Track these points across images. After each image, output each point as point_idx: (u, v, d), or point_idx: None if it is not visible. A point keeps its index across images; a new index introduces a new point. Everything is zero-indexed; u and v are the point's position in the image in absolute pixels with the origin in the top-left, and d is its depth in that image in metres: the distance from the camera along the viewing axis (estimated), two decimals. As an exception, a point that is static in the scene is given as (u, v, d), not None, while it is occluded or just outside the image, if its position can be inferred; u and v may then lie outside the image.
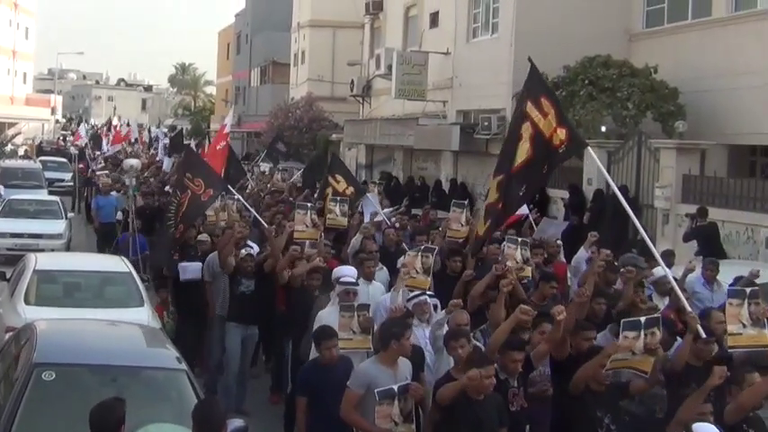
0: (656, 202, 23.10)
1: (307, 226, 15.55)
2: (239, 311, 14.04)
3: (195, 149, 21.17)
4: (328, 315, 11.24)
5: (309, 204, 16.43)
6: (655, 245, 21.53)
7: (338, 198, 17.91)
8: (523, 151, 10.63)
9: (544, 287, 12.66)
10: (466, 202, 16.81)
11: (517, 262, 13.13)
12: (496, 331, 9.84)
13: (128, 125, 56.19)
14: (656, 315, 9.67)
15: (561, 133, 10.19)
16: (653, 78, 25.65)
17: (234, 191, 19.56)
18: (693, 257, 15.50)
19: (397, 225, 18.42)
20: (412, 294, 11.59)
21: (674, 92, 25.26)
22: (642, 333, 8.79)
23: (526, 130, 10.47)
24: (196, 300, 15.13)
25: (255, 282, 14.13)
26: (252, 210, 18.82)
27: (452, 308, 10.65)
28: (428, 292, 11.70)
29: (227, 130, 25.09)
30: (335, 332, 10.09)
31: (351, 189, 18.92)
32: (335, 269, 12.76)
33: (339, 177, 19.11)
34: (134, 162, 24.96)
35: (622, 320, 9.07)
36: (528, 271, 13.39)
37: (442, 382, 9.02)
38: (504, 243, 13.78)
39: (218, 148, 23.96)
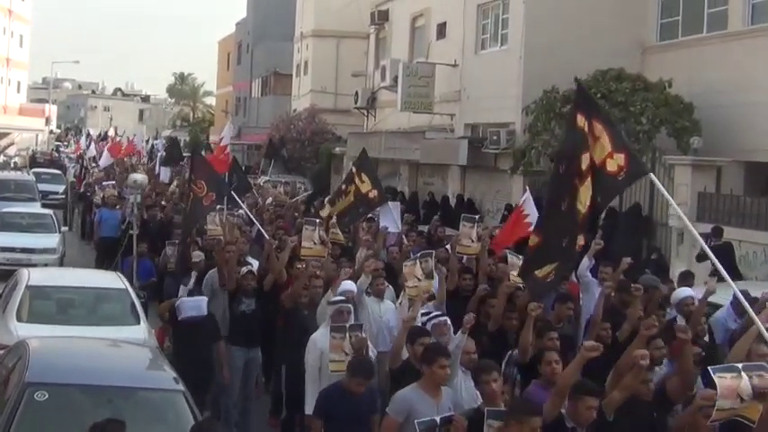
0: (671, 221, 23.05)
1: (314, 243, 15.32)
2: (241, 332, 13.87)
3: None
4: (322, 337, 11.15)
5: (318, 220, 16.12)
6: (669, 265, 21.74)
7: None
8: (585, 197, 9.47)
9: (561, 308, 12.65)
10: (477, 217, 16.64)
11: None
12: (564, 375, 8.96)
13: (128, 138, 56.02)
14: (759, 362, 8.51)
15: (619, 158, 9.30)
16: (667, 93, 25.62)
17: (239, 200, 19.39)
18: (708, 278, 15.43)
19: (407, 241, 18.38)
20: (431, 314, 11.39)
21: (689, 107, 25.23)
22: (745, 375, 7.82)
23: (585, 161, 9.40)
24: (197, 337, 13.41)
25: (256, 300, 14.05)
26: (257, 223, 18.68)
27: (467, 326, 10.33)
28: (438, 312, 11.56)
29: (224, 142, 25.02)
30: (372, 370, 9.85)
31: (374, 193, 17.85)
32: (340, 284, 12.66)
33: (365, 177, 17.98)
34: (139, 177, 22.98)
35: (711, 367, 7.96)
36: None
37: (473, 418, 8.51)
38: (509, 254, 13.76)
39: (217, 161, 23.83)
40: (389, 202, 19.17)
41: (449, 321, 11.13)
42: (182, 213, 20.04)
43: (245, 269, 14.60)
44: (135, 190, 21.59)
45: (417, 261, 12.43)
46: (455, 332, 10.75)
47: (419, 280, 12.23)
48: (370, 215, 19.21)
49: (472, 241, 15.40)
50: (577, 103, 9.95)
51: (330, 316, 11.49)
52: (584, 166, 9.33)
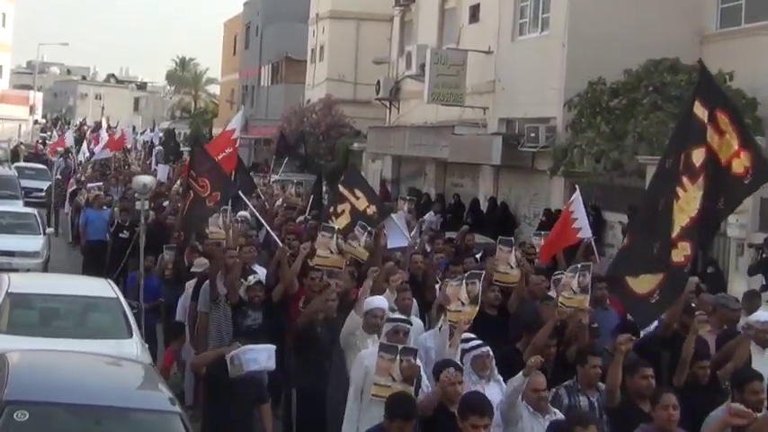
0: (729, 231, 22.93)
1: (331, 252, 15.13)
2: None
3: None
4: (370, 356, 10.84)
5: (337, 227, 15.94)
6: (727, 280, 21.66)
7: (367, 228, 16.75)
8: (693, 200, 9.02)
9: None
10: (513, 239, 16.46)
11: (574, 291, 12.92)
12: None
13: (122, 131, 56.13)
14: None
15: (745, 158, 8.87)
16: (727, 86, 25.51)
17: (246, 200, 19.23)
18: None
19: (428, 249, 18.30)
20: (471, 343, 11.14)
21: (752, 102, 25.12)
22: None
23: (699, 156, 8.90)
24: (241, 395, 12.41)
25: (263, 313, 14.04)
26: (266, 225, 18.52)
27: (532, 368, 10.03)
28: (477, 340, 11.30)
29: (235, 135, 24.80)
30: (413, 411, 9.34)
31: (372, 208, 17.91)
32: (367, 300, 12.40)
33: (359, 193, 17.98)
34: (147, 180, 21.15)
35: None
36: (585, 301, 12.98)
37: None
38: (564, 274, 13.47)
39: (220, 156, 23.29)
40: (392, 215, 19.23)
41: (491, 352, 10.99)
42: (178, 214, 19.81)
43: (252, 278, 14.53)
44: (143, 195, 20.17)
45: (463, 282, 12.15)
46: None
47: (463, 304, 11.94)
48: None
49: (511, 267, 15.05)
50: (699, 87, 9.41)
51: (385, 333, 11.27)
52: (697, 163, 8.85)
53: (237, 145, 26.56)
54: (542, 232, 19.74)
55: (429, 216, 28.34)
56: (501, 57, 33.35)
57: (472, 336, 11.38)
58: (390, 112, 44.11)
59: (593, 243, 17.74)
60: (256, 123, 65.14)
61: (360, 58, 52.57)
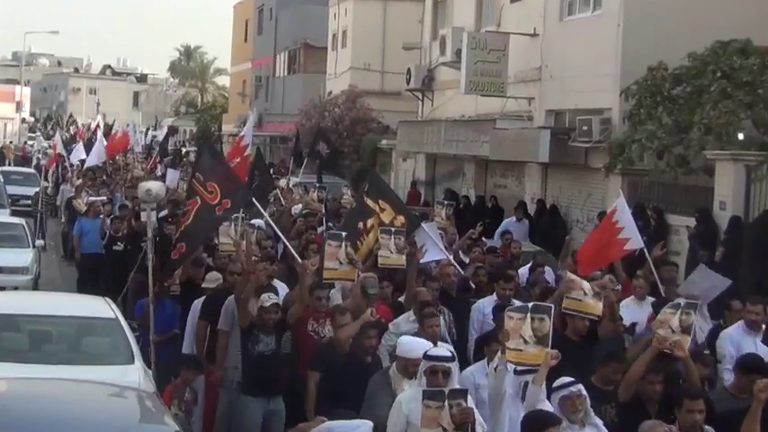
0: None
1: (340, 262, 15.16)
2: (258, 379, 13.71)
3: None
4: (410, 401, 10.56)
5: (344, 233, 15.96)
6: None
7: (392, 229, 16.96)
8: None
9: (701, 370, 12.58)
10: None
11: (673, 330, 12.53)
12: None
13: (123, 129, 56.12)
14: None
15: None
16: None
17: (261, 208, 19.05)
18: None
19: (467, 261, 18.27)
20: (558, 381, 10.77)
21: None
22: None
23: None
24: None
25: (276, 337, 13.95)
26: (283, 237, 18.40)
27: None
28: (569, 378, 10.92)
29: (245, 141, 24.87)
30: None
31: (401, 219, 17.97)
32: (403, 342, 12.01)
33: (383, 203, 18.03)
34: (155, 186, 19.41)
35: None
36: (685, 343, 12.56)
37: None
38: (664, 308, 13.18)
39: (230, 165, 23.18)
40: (423, 224, 19.16)
41: (583, 391, 10.65)
42: (178, 223, 19.18)
43: (267, 299, 14.18)
44: (150, 204, 19.00)
45: (528, 317, 11.46)
46: None
47: (526, 342, 11.30)
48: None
49: (585, 294, 13.90)
50: None
51: (422, 373, 10.83)
52: None
53: (247, 153, 26.56)
54: None
55: (509, 223, 28.28)
56: (548, 40, 33.30)
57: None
58: (423, 105, 44.13)
59: (647, 255, 17.23)
60: (271, 119, 65.33)
61: (387, 44, 52.68)
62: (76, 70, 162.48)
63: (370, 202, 18.18)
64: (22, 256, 26.76)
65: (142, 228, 23.41)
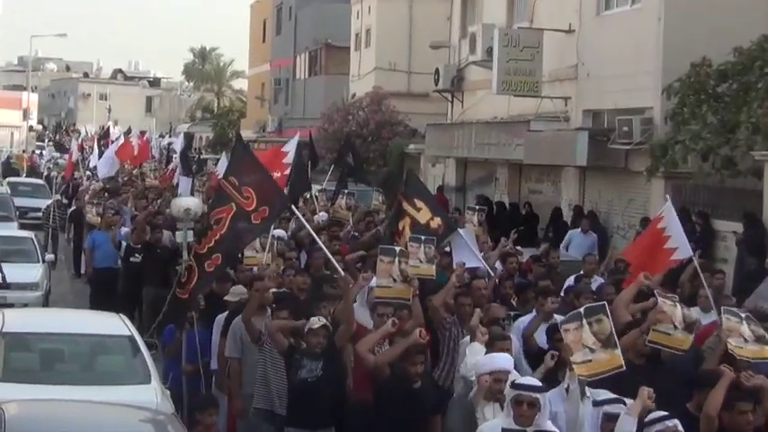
0: None
1: (394, 279, 14.67)
2: (303, 409, 13.14)
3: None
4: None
5: (399, 249, 15.48)
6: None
7: (422, 237, 16.59)
8: None
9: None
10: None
11: (746, 339, 12.41)
12: None
13: (140, 137, 55.91)
14: None
15: None
16: None
17: (298, 213, 18.81)
18: None
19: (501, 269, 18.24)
20: (652, 417, 10.48)
21: None
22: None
23: None
24: None
25: (324, 362, 13.26)
26: (324, 248, 17.94)
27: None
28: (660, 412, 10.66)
29: (288, 159, 24.87)
30: None
31: (437, 221, 17.89)
32: (486, 357, 11.95)
33: (419, 203, 17.90)
34: (191, 203, 19.56)
35: None
36: (763, 353, 12.43)
37: None
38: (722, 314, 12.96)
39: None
40: (460, 230, 19.14)
41: (679, 426, 10.45)
42: (199, 232, 18.82)
43: (317, 321, 13.46)
44: (186, 223, 18.74)
45: (584, 323, 11.35)
46: None
47: (592, 351, 11.14)
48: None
49: (675, 328, 13.14)
50: None
51: (509, 401, 10.57)
52: None
53: (288, 172, 26.54)
54: None
55: (575, 235, 28.22)
56: (584, 36, 33.27)
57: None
58: (452, 107, 44.10)
59: (696, 264, 16.99)
60: (292, 123, 65.38)
61: (414, 43, 52.70)
62: (86, 75, 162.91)
63: (406, 203, 18.06)
64: (32, 272, 26.83)
65: (157, 240, 23.69)
